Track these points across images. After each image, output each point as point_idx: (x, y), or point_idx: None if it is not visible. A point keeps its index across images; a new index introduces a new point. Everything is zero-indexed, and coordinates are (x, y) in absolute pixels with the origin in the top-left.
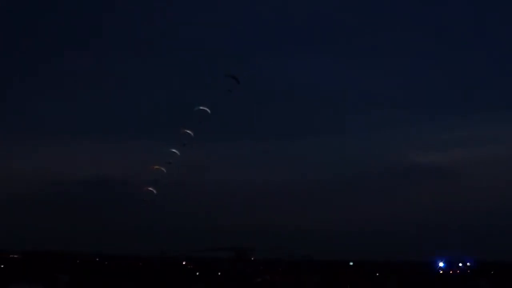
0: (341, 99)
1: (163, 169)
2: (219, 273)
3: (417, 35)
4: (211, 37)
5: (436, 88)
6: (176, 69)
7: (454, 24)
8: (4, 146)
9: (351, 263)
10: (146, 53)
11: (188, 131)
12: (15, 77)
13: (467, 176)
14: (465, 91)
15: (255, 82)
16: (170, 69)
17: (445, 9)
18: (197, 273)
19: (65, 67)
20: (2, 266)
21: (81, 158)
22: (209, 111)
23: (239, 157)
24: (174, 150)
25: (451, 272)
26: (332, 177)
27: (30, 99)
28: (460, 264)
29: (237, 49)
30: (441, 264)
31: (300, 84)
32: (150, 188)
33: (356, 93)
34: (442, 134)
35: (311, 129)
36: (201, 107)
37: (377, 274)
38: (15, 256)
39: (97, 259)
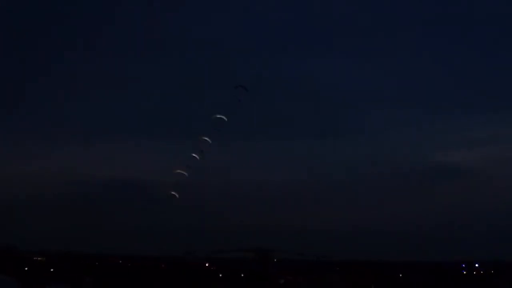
0: (361, 99)
1: (184, 172)
2: (242, 275)
3: (437, 35)
4: (230, 37)
5: (457, 87)
6: (195, 70)
7: (476, 24)
8: (22, 147)
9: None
10: (162, 53)
11: (206, 138)
12: (31, 77)
13: (488, 176)
14: (485, 90)
15: (275, 82)
16: (189, 70)
17: (468, 10)
18: (220, 275)
19: (81, 67)
20: (26, 268)
21: (103, 159)
22: (225, 119)
23: (260, 157)
24: (194, 155)
25: (474, 273)
26: (353, 177)
27: (48, 99)
28: (477, 265)
29: (257, 49)
30: (463, 265)
31: (320, 84)
32: (173, 192)
33: (375, 92)
34: (464, 133)
35: (332, 129)
36: (218, 116)
37: (400, 275)
38: (39, 258)
39: (120, 261)
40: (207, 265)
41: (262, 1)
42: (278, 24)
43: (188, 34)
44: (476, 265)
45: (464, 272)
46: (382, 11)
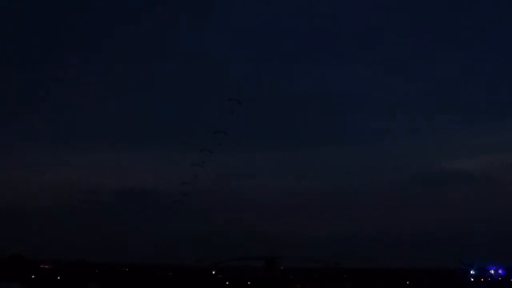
0: (373, 106)
1: (191, 182)
2: (249, 283)
3: (450, 41)
4: (245, 44)
5: (467, 94)
6: (208, 78)
7: (486, 29)
8: (36, 157)
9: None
10: (170, 63)
11: (208, 150)
12: (46, 88)
13: (498, 182)
14: (496, 96)
15: (288, 88)
16: (202, 78)
17: (480, 15)
18: (227, 283)
19: (94, 77)
20: (33, 276)
21: (113, 168)
22: (226, 133)
23: (269, 165)
24: (199, 164)
25: (482, 279)
26: (363, 184)
27: (61, 110)
28: (492, 271)
29: (273, 56)
30: (472, 272)
31: (332, 91)
32: (180, 200)
33: (387, 99)
34: (474, 139)
35: (343, 136)
36: (218, 130)
37: (407, 282)
38: (46, 266)
39: (127, 269)
40: (213, 272)
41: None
42: (291, 33)
43: (194, 44)
44: (491, 271)
45: (472, 279)
46: (400, 19)
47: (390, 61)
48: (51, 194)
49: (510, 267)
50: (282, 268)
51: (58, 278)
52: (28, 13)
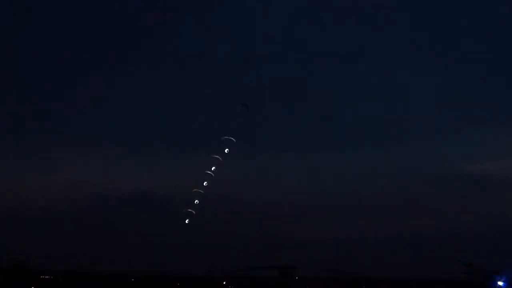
0: (395, 107)
1: (201, 191)
2: None
3: (470, 42)
4: (262, 45)
5: (488, 95)
6: (225, 79)
7: (507, 28)
8: (39, 159)
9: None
10: (184, 67)
11: (217, 156)
12: (48, 90)
13: None
14: None
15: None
16: (217, 80)
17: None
18: None
19: (97, 79)
20: (32, 287)
21: (117, 173)
22: (234, 140)
23: (283, 169)
24: (208, 172)
25: None
26: (385, 188)
27: (66, 111)
28: None
29: (293, 56)
30: (500, 283)
31: (346, 91)
32: (190, 210)
33: (406, 101)
34: (494, 142)
35: (364, 138)
36: (226, 137)
37: None
38: (46, 276)
39: (133, 279)
40: (224, 283)
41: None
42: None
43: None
44: None
45: None
46: (423, 18)
47: (413, 61)
48: (52, 199)
49: None
50: (297, 278)
51: None
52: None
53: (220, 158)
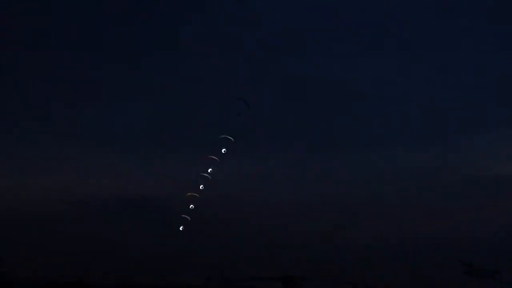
0: (423, 105)
1: (196, 195)
2: None
3: (494, 35)
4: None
5: None
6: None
7: None
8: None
9: None
10: (175, 61)
11: (214, 157)
12: (33, 92)
13: None
14: None
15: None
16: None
17: None
18: None
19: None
20: None
21: (106, 175)
22: (232, 139)
23: (287, 170)
24: (204, 174)
25: None
26: (404, 190)
27: (54, 111)
28: None
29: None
30: None
31: (365, 88)
32: (185, 211)
33: (437, 99)
34: None
35: (389, 137)
36: (224, 136)
37: None
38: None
39: None
40: None
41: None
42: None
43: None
44: None
45: None
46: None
47: (427, 58)
48: (38, 204)
49: None
50: None
51: None
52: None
53: (217, 159)
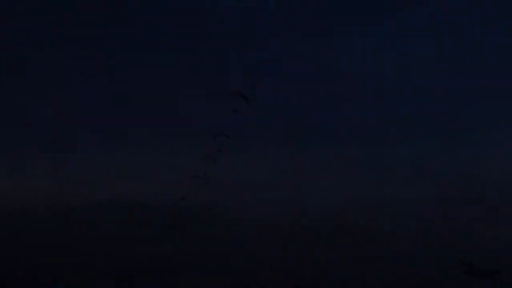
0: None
1: (187, 199)
2: None
3: None
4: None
5: None
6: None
7: None
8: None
9: None
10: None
11: (210, 156)
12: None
13: None
14: None
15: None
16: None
17: None
18: None
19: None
20: None
21: (78, 178)
22: (229, 136)
23: (288, 171)
24: (198, 173)
25: None
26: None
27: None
28: None
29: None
30: None
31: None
32: (175, 217)
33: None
34: None
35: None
36: (220, 133)
37: None
38: None
39: None
40: None
41: None
42: None
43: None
44: None
45: None
46: None
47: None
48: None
49: None
50: None
51: None
52: None
53: (214, 159)
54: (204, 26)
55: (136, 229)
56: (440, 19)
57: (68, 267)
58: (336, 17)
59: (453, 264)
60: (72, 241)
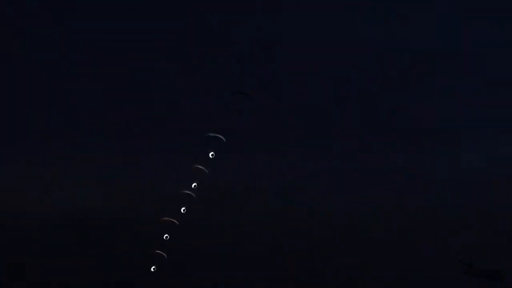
0: None
1: (175, 221)
2: None
3: None
4: None
5: None
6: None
7: None
8: None
9: None
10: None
11: (200, 167)
12: None
13: None
14: None
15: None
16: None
17: None
18: None
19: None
20: None
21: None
22: (224, 139)
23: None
24: (187, 190)
25: None
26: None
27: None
28: None
29: None
30: None
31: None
32: (159, 252)
33: None
34: None
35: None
36: (212, 134)
37: None
38: None
39: None
40: None
41: None
42: None
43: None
44: None
45: None
46: None
47: None
48: None
49: None
50: None
51: None
52: None
53: (205, 169)
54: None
55: None
56: None
57: None
58: None
59: (453, 264)
60: None
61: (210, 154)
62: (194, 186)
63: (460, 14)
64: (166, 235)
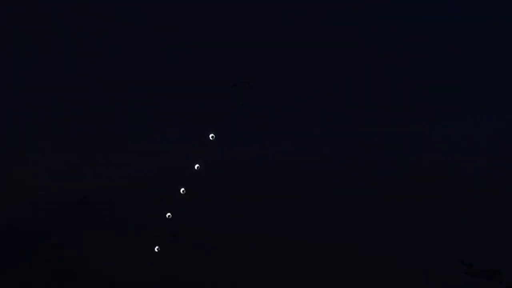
0: None
1: (173, 198)
2: None
3: None
4: None
5: None
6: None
7: None
8: None
9: None
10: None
11: (198, 165)
12: None
13: None
14: None
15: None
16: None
17: None
18: None
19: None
20: None
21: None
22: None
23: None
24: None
25: None
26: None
27: None
28: None
29: None
30: None
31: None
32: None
33: None
34: None
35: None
36: (211, 136)
37: None
38: None
39: None
40: None
41: None
42: None
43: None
44: None
45: None
46: None
47: None
48: None
49: None
50: None
51: None
52: None
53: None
54: None
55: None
56: None
57: None
58: None
59: (452, 264)
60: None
61: (210, 136)
62: (197, 167)
63: None
64: (168, 214)
